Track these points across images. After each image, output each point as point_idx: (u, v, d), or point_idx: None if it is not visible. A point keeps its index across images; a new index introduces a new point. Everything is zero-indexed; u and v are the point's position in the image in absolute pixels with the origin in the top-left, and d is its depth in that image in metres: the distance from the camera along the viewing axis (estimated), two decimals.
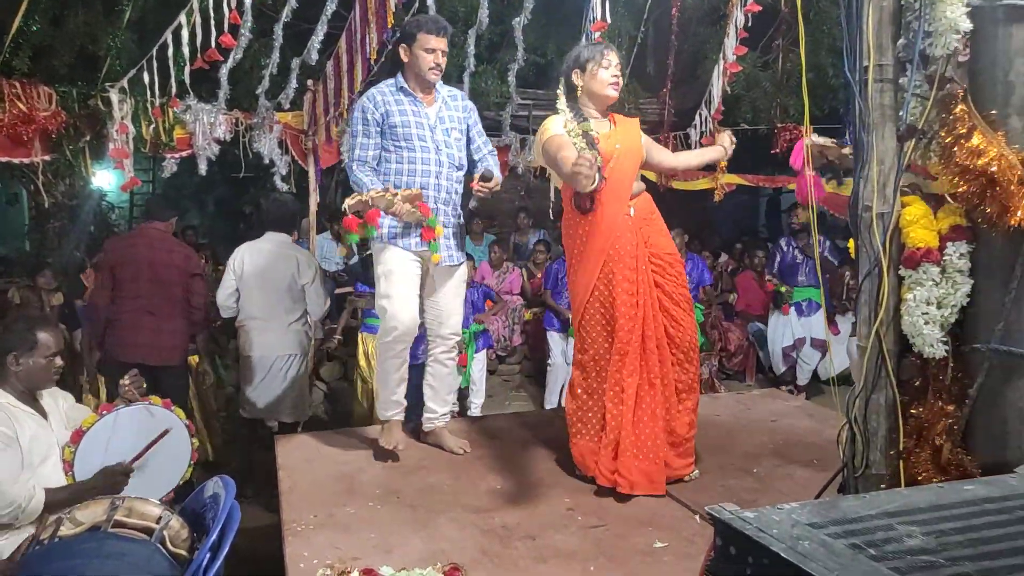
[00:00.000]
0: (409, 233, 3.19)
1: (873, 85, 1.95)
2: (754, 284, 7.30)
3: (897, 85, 1.99)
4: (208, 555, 1.96)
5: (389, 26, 4.76)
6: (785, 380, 6.72)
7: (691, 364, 3.02)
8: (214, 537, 1.99)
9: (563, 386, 6.32)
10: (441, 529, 2.65)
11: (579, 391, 3.05)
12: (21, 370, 2.68)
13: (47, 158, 4.89)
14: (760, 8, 5.55)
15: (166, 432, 2.92)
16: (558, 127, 2.95)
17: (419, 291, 3.31)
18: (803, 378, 6.64)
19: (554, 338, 6.35)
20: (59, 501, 2.51)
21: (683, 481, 3.01)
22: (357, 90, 5.40)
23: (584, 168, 2.48)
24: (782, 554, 0.94)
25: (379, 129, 3.19)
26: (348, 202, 2.97)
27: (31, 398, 2.77)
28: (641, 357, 2.91)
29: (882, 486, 1.97)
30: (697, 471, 3.08)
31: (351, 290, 6.01)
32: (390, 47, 5.64)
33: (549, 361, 6.38)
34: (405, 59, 3.21)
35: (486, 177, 3.18)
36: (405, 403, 3.45)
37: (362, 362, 5.28)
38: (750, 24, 5.62)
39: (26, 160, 4.81)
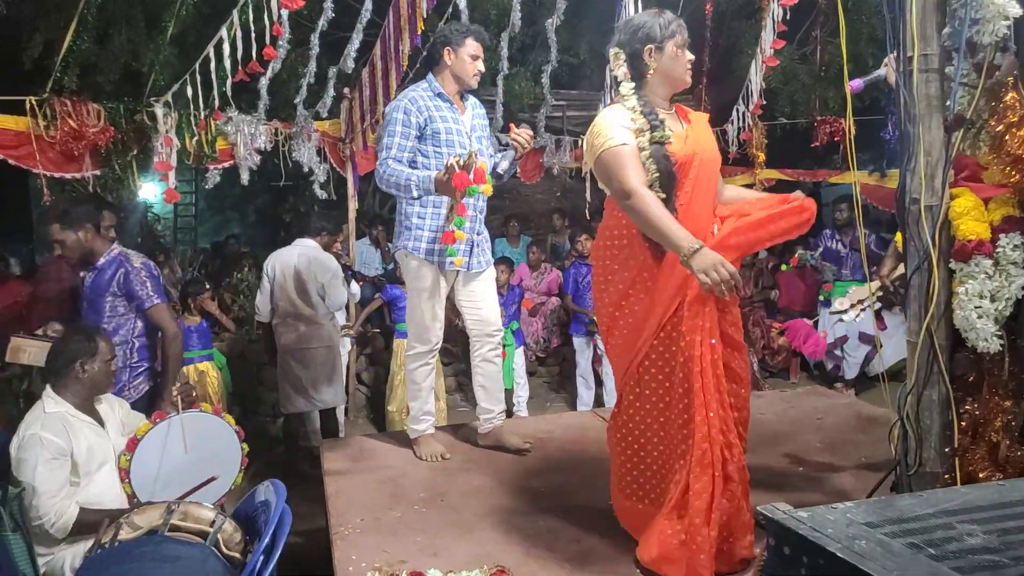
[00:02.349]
0: (444, 250, 3.21)
1: (918, 75, 1.90)
2: (796, 280, 7.19)
3: (943, 74, 1.95)
4: (261, 558, 2.00)
5: (419, 32, 4.79)
6: (836, 377, 6.61)
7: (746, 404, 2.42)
8: (267, 540, 2.03)
9: (592, 391, 6.33)
10: (486, 532, 2.66)
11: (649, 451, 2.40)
12: (87, 376, 2.78)
13: (97, 172, 5.05)
14: (797, 0, 5.47)
15: (212, 479, 2.93)
16: (621, 132, 2.24)
17: (445, 300, 3.38)
18: (850, 373, 6.52)
19: (580, 343, 6.32)
20: (89, 522, 2.58)
21: None
22: (392, 96, 5.47)
23: (721, 283, 2.01)
24: (838, 554, 0.93)
25: (418, 133, 3.19)
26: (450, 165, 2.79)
27: (90, 406, 2.86)
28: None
29: (937, 484, 1.92)
30: None
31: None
32: (424, 53, 5.72)
33: (578, 360, 6.35)
34: (448, 61, 3.23)
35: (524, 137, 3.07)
36: (434, 414, 3.52)
37: (394, 366, 5.40)
38: (787, 17, 5.54)
39: (77, 175, 4.98)
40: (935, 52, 1.93)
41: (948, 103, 1.93)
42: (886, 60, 2.28)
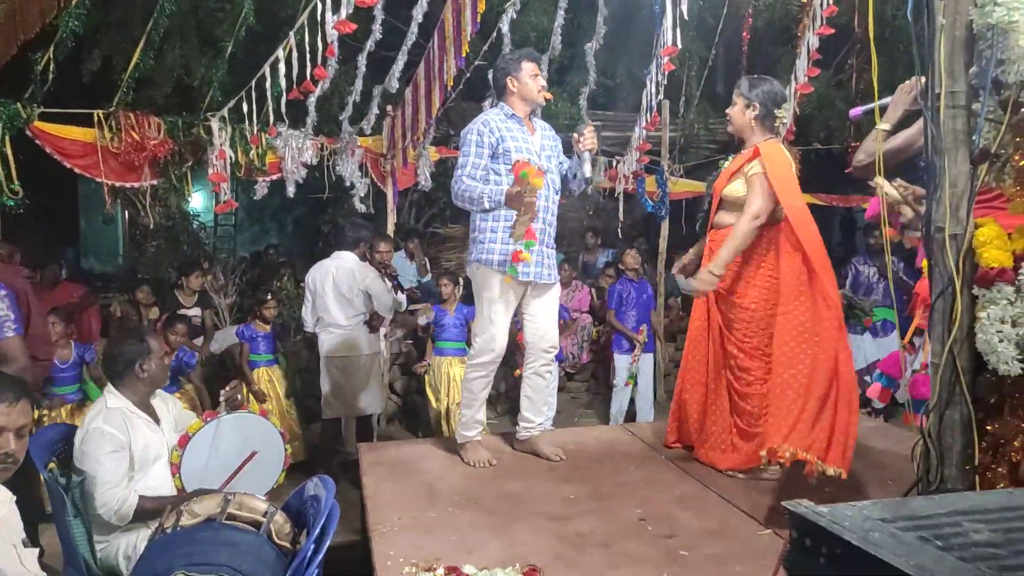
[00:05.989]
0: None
1: (945, 111, 2.00)
2: None
3: (970, 110, 2.05)
4: (312, 547, 2.14)
5: (463, 55, 4.96)
6: (864, 402, 6.58)
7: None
8: (317, 530, 2.17)
9: (624, 407, 6.38)
10: (518, 534, 2.77)
11: None
12: (146, 375, 2.95)
13: (154, 182, 5.29)
14: (833, 31, 5.56)
15: (253, 455, 3.12)
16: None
17: (512, 313, 3.52)
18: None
19: (620, 360, 6.40)
20: (149, 510, 2.76)
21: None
22: (435, 115, 5.65)
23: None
24: (854, 543, 1.04)
25: (491, 152, 3.37)
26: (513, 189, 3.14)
27: (147, 403, 3.03)
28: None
29: None
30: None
31: (426, 306, 6.23)
32: (467, 74, 5.91)
33: (614, 381, 6.43)
34: (513, 88, 3.44)
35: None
36: (485, 423, 3.63)
37: (429, 387, 5.56)
38: (820, 46, 5.64)
39: (136, 184, 5.23)
40: (962, 89, 2.03)
41: (974, 137, 2.03)
42: (902, 86, 2.62)
